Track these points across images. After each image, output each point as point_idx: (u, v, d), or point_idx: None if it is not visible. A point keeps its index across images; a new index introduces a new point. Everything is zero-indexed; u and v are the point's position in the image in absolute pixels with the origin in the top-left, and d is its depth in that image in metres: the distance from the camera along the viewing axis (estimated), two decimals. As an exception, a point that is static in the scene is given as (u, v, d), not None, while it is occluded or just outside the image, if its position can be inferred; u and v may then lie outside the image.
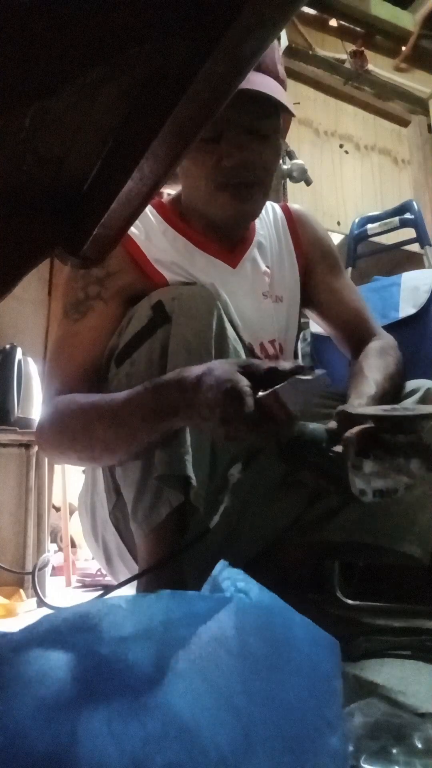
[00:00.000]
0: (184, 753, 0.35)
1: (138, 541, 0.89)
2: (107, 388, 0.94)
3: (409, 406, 0.95)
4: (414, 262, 2.33)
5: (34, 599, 1.68)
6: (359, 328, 1.16)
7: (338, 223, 3.35)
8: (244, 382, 0.71)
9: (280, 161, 2.28)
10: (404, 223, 2.11)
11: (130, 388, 0.87)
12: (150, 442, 0.84)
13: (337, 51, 3.64)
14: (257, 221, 1.12)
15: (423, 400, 1.01)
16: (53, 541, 2.62)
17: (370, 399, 0.90)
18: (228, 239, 1.08)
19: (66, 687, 0.38)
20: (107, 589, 0.86)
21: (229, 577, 0.46)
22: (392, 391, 0.98)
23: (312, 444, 0.78)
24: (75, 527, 2.30)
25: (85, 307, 0.98)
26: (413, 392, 1.02)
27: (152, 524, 0.85)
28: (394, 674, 0.77)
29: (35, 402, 2.03)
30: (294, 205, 1.24)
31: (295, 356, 1.22)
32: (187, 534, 0.84)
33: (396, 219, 2.12)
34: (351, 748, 0.47)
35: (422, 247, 2.09)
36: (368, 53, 3.70)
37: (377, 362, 1.04)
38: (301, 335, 1.54)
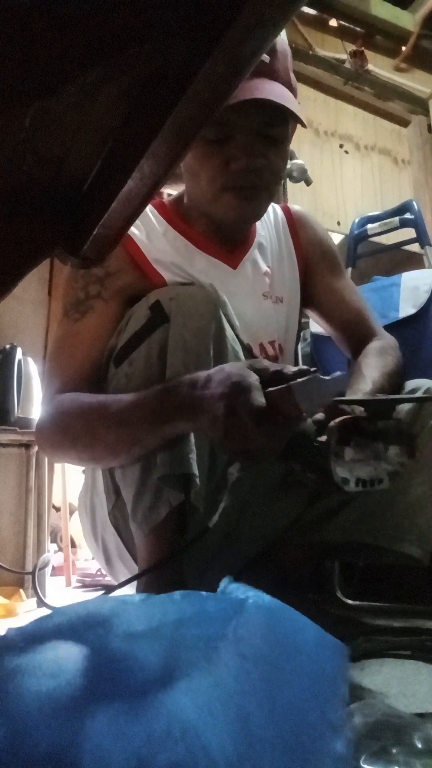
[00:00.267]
0: (188, 753, 0.35)
1: (138, 541, 0.89)
2: (107, 388, 0.94)
3: (395, 395, 0.95)
4: (414, 262, 2.33)
5: (34, 599, 1.68)
6: (360, 328, 1.16)
7: (338, 223, 3.35)
8: (253, 377, 0.71)
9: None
10: (404, 223, 2.11)
11: (129, 389, 0.87)
12: (153, 446, 0.83)
13: (337, 51, 3.64)
14: (258, 222, 1.12)
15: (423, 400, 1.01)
16: (53, 541, 2.62)
17: (364, 395, 0.90)
18: (229, 240, 1.08)
19: (74, 682, 0.38)
20: (107, 589, 0.86)
21: (237, 588, 0.47)
22: (390, 389, 0.98)
23: (299, 435, 0.77)
24: (75, 527, 2.30)
25: (86, 307, 0.98)
26: (413, 392, 1.02)
27: (152, 524, 0.85)
28: (394, 674, 0.77)
29: (35, 402, 2.03)
30: (294, 206, 1.24)
31: (295, 356, 1.22)
32: (187, 534, 0.84)
33: (396, 219, 2.12)
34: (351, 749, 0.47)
35: (422, 247, 2.08)
36: (368, 53, 3.69)
37: (375, 361, 1.04)
38: (301, 335, 1.54)
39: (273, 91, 0.91)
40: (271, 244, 1.15)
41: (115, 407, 0.85)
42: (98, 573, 2.11)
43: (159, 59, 0.41)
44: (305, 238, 1.18)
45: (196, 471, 0.82)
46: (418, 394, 1.00)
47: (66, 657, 0.40)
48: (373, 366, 1.01)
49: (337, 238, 2.83)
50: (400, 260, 2.67)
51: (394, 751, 0.47)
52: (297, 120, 0.95)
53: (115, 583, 0.96)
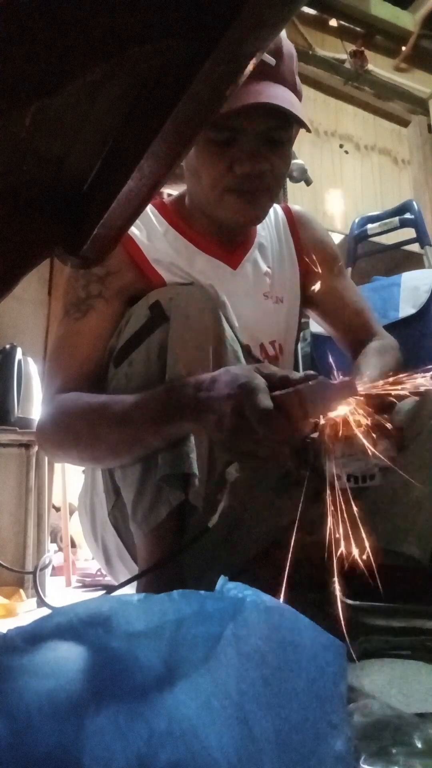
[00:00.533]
0: (188, 752, 0.35)
1: (137, 541, 0.89)
2: (107, 387, 0.94)
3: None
4: (414, 262, 2.33)
5: (34, 599, 1.68)
6: (360, 328, 1.16)
7: (338, 224, 3.35)
8: (261, 380, 0.70)
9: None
10: (404, 223, 2.11)
11: (128, 389, 0.87)
12: (155, 446, 0.83)
13: (337, 51, 3.64)
14: (258, 222, 1.12)
15: (423, 400, 1.01)
16: (53, 541, 2.62)
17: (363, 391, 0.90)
18: (229, 240, 1.08)
19: (74, 681, 0.38)
20: (107, 589, 0.86)
21: (234, 587, 0.46)
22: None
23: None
24: (75, 527, 2.30)
25: (86, 306, 0.98)
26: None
27: (152, 524, 0.85)
28: (394, 674, 0.77)
29: (35, 402, 2.03)
30: (295, 207, 1.24)
31: (295, 356, 1.22)
32: (187, 534, 0.84)
33: (396, 219, 2.12)
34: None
35: (422, 247, 2.09)
36: (368, 53, 3.70)
37: (374, 360, 1.04)
38: (301, 335, 1.54)
39: (279, 95, 0.91)
40: (271, 244, 1.15)
41: (118, 407, 0.85)
42: (98, 573, 2.11)
43: (159, 59, 0.41)
44: (306, 238, 1.18)
45: (196, 471, 0.82)
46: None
47: (66, 657, 0.40)
48: (372, 365, 1.02)
49: (337, 238, 2.83)
50: (400, 260, 2.68)
51: (394, 751, 0.47)
52: (302, 125, 0.96)
53: (115, 584, 0.96)
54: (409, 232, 2.14)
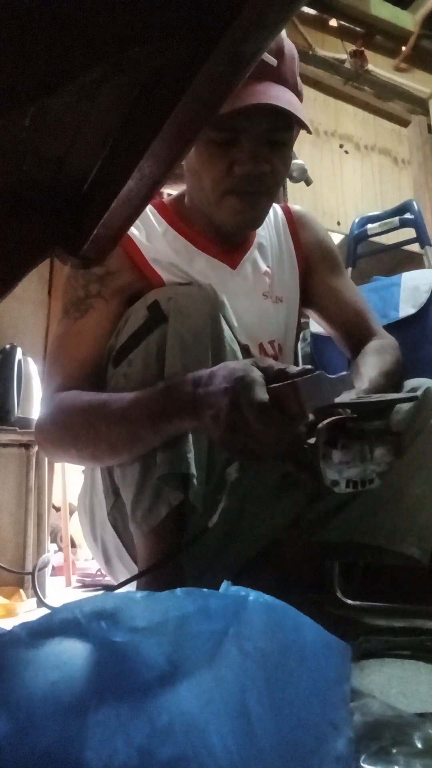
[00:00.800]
0: (190, 748, 0.35)
1: (137, 541, 0.89)
2: (106, 388, 0.94)
3: (380, 394, 0.94)
4: (414, 262, 2.33)
5: (34, 599, 1.68)
6: (359, 328, 1.16)
7: (338, 223, 3.35)
8: (257, 373, 0.70)
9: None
10: (404, 223, 2.11)
11: (127, 389, 0.87)
12: (153, 444, 0.83)
13: (337, 51, 3.64)
14: (258, 222, 1.12)
15: (422, 400, 1.01)
16: (53, 541, 2.62)
17: (361, 393, 0.90)
18: (229, 240, 1.08)
19: (78, 677, 0.39)
20: (107, 589, 0.86)
21: (237, 590, 0.47)
22: (388, 388, 0.98)
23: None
24: (75, 527, 2.30)
25: (86, 306, 0.98)
26: (413, 391, 1.02)
27: (151, 524, 0.85)
28: (394, 674, 0.77)
29: (35, 402, 2.03)
30: (295, 206, 1.24)
31: (295, 356, 1.22)
32: (186, 534, 0.84)
33: (396, 219, 2.12)
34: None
35: (422, 247, 2.08)
36: (368, 53, 3.70)
37: (373, 360, 1.04)
38: (301, 335, 1.54)
39: (280, 96, 0.91)
40: (271, 244, 1.15)
41: (117, 405, 0.85)
42: (98, 573, 2.11)
43: (159, 59, 0.41)
44: (305, 238, 1.18)
45: (194, 471, 0.82)
46: (417, 393, 1.00)
47: (70, 652, 0.40)
48: (371, 365, 1.02)
49: (337, 238, 2.83)
50: (400, 260, 2.67)
51: (394, 750, 0.47)
52: (303, 126, 0.96)
53: (115, 584, 0.96)
54: (409, 232, 2.14)
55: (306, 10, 3.39)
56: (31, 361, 2.10)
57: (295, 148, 1.08)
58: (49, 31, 0.35)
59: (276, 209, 1.20)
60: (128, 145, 0.48)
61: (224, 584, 0.48)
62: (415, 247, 2.19)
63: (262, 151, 0.94)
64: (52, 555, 2.09)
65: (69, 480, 2.36)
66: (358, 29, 3.70)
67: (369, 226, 2.17)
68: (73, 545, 2.52)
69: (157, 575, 0.82)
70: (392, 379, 1.02)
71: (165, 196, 1.20)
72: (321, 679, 0.43)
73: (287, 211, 1.20)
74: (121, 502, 0.93)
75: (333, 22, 3.63)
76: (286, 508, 1.05)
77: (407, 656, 0.84)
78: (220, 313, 0.91)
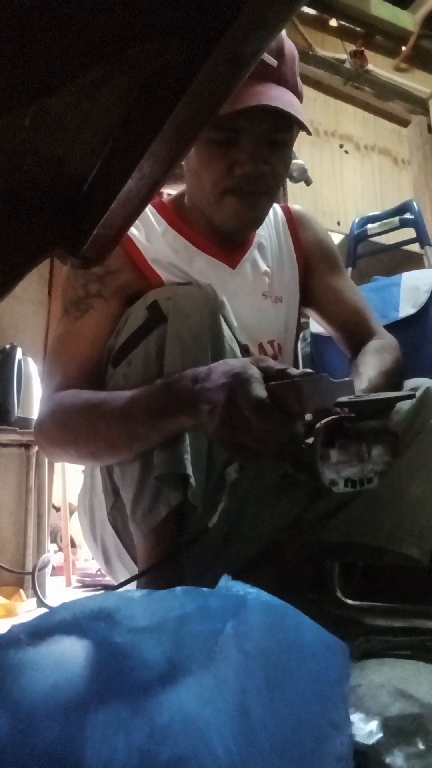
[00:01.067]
0: (190, 747, 0.35)
1: (137, 541, 0.89)
2: (105, 388, 0.94)
3: (378, 393, 0.94)
4: (414, 262, 2.33)
5: (34, 599, 1.68)
6: (359, 327, 1.16)
7: (338, 223, 3.35)
8: (255, 370, 0.70)
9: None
10: (404, 223, 2.11)
11: (127, 389, 0.87)
12: (152, 442, 0.83)
13: (337, 51, 3.64)
14: (257, 222, 1.12)
15: (422, 400, 1.01)
16: (53, 541, 2.62)
17: (359, 393, 0.90)
18: (228, 240, 1.08)
19: (78, 676, 0.39)
20: (107, 589, 0.86)
21: (236, 585, 0.47)
22: (388, 388, 0.98)
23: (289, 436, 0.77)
24: (75, 527, 2.30)
25: (86, 305, 0.98)
26: (413, 391, 1.02)
27: (151, 524, 0.85)
28: (394, 674, 0.77)
29: (35, 402, 2.03)
30: (294, 206, 1.24)
31: (295, 356, 1.22)
32: (186, 534, 0.84)
33: (396, 219, 2.12)
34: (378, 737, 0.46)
35: (422, 247, 2.09)
36: (368, 53, 3.70)
37: (372, 359, 1.04)
38: (301, 335, 1.54)
39: (281, 97, 0.91)
40: (270, 244, 1.15)
41: (116, 403, 0.85)
42: (98, 573, 2.11)
43: (159, 59, 0.41)
44: (305, 238, 1.18)
45: (190, 471, 0.82)
46: (417, 393, 1.00)
47: (69, 652, 0.40)
48: (371, 364, 1.01)
49: (337, 238, 2.83)
50: (400, 260, 2.67)
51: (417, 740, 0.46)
52: (303, 127, 0.96)
53: (115, 584, 0.96)
54: (409, 232, 2.14)
55: (306, 10, 3.39)
56: (31, 361, 2.10)
57: (295, 148, 1.08)
58: (49, 31, 0.35)
59: (276, 209, 1.20)
60: (128, 145, 0.48)
61: (224, 578, 0.48)
62: (415, 247, 2.19)
63: (262, 151, 0.95)
64: (52, 555, 2.09)
65: (69, 480, 2.37)
66: (358, 29, 3.70)
67: (369, 226, 2.17)
68: (73, 545, 2.53)
69: (157, 575, 0.82)
70: (392, 379, 1.02)
71: (165, 196, 1.20)
72: (321, 679, 0.43)
73: (287, 211, 1.20)
74: (120, 502, 0.93)
75: (333, 22, 3.63)
76: (286, 508, 1.05)
77: (407, 656, 0.84)
78: (220, 313, 0.91)
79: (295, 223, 1.19)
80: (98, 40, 0.37)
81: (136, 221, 0.94)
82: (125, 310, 0.97)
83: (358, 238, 2.20)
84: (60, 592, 2.02)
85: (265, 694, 0.39)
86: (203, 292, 0.92)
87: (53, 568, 2.06)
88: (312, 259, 1.18)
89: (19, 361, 2.03)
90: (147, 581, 0.83)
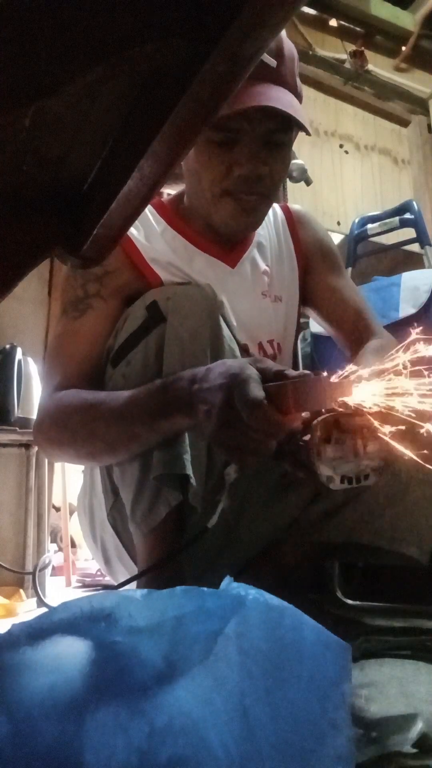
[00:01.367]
0: (189, 747, 0.35)
1: (137, 541, 0.89)
2: (104, 388, 0.94)
3: None
4: (414, 262, 2.33)
5: (34, 599, 1.68)
6: (359, 327, 1.16)
7: (338, 223, 3.35)
8: (253, 371, 0.70)
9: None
10: (404, 223, 2.11)
11: (126, 389, 0.87)
12: (151, 442, 0.83)
13: (337, 51, 3.64)
14: (257, 221, 1.12)
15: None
16: (53, 541, 2.62)
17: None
18: (228, 240, 1.08)
19: (77, 676, 0.39)
20: (107, 589, 0.86)
21: (238, 587, 0.47)
22: None
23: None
24: (75, 527, 2.30)
25: (84, 305, 0.98)
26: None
27: (151, 524, 0.85)
28: (394, 674, 0.77)
29: (35, 402, 2.03)
30: (294, 206, 1.24)
31: (295, 356, 1.22)
32: (186, 534, 0.84)
33: (396, 219, 2.12)
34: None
35: (422, 247, 2.09)
36: (368, 53, 3.70)
37: (372, 359, 1.04)
38: (301, 335, 1.54)
39: (280, 98, 0.91)
40: (270, 243, 1.14)
41: (115, 402, 0.85)
42: (98, 573, 2.11)
43: (159, 59, 0.41)
44: (305, 237, 1.18)
45: (190, 472, 0.82)
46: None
47: (68, 652, 0.40)
48: (370, 364, 1.01)
49: (337, 238, 2.83)
50: (400, 260, 2.67)
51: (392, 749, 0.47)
52: (303, 129, 0.96)
53: (115, 584, 0.96)
54: (409, 232, 2.14)
55: (306, 10, 3.39)
56: (31, 361, 2.10)
57: (295, 148, 1.08)
58: (49, 31, 0.35)
59: (275, 209, 1.20)
60: (128, 145, 0.48)
61: (226, 580, 0.48)
62: (415, 247, 2.19)
63: (261, 152, 0.94)
64: (52, 555, 2.09)
65: (69, 480, 2.36)
66: (358, 29, 3.71)
67: (369, 226, 2.17)
68: (73, 545, 2.52)
69: (156, 575, 0.82)
70: None
71: (165, 196, 1.20)
72: (321, 679, 0.43)
73: (287, 211, 1.20)
74: (120, 502, 0.93)
75: (333, 22, 3.63)
76: (286, 508, 1.05)
77: (407, 656, 0.84)
78: (219, 313, 0.91)
79: (294, 222, 1.19)
80: (98, 40, 0.37)
81: (136, 221, 0.94)
82: (124, 310, 0.97)
83: (358, 238, 2.20)
84: (60, 592, 2.02)
85: (264, 694, 0.39)
86: (202, 292, 0.92)
87: (53, 568, 2.06)
88: (311, 259, 1.18)
89: (19, 361, 2.03)
90: (147, 581, 0.83)
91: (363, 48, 3.67)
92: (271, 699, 0.40)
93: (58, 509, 2.61)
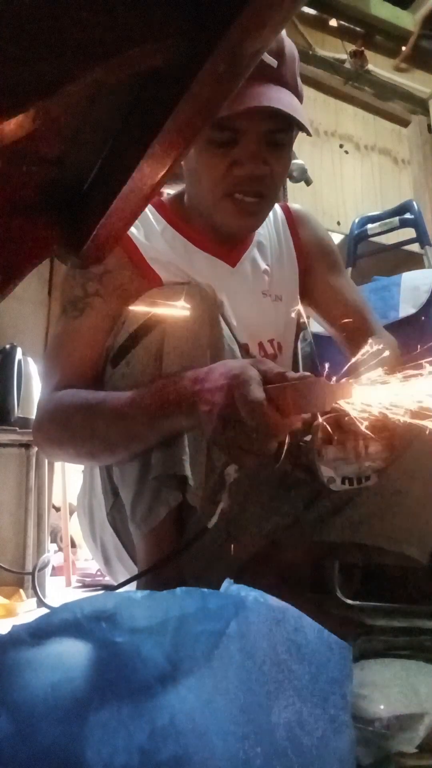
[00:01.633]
0: (190, 747, 0.35)
1: (137, 541, 0.89)
2: (104, 388, 0.94)
3: None
4: (414, 262, 2.33)
5: (34, 599, 1.68)
6: (359, 327, 1.16)
7: (338, 223, 3.35)
8: (254, 371, 0.70)
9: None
10: (404, 223, 2.11)
11: (126, 389, 0.87)
12: (151, 442, 0.83)
13: (337, 51, 3.64)
14: (257, 221, 1.12)
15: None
16: (53, 541, 2.62)
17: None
18: (228, 239, 1.08)
19: (79, 676, 0.39)
20: (107, 589, 0.86)
21: (238, 589, 0.47)
22: None
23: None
24: (75, 527, 2.30)
25: (84, 304, 0.98)
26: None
27: (151, 524, 0.84)
28: (395, 674, 0.77)
29: (35, 402, 2.03)
30: (294, 205, 1.24)
31: (295, 356, 1.22)
32: (186, 534, 0.84)
33: (396, 219, 2.12)
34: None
35: (422, 247, 2.09)
36: (368, 53, 3.70)
37: (372, 360, 1.04)
38: (301, 335, 1.54)
39: (281, 98, 0.91)
40: (270, 243, 1.14)
41: (114, 402, 0.85)
42: (98, 573, 2.11)
43: (159, 59, 0.41)
44: (305, 237, 1.18)
45: (188, 472, 0.82)
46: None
47: (70, 652, 0.40)
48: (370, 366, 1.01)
49: (337, 238, 2.83)
50: (400, 260, 2.67)
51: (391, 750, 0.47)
52: (303, 129, 0.96)
53: (115, 584, 0.96)
54: (409, 232, 2.14)
55: (306, 10, 3.39)
56: (31, 361, 2.10)
57: (295, 147, 1.08)
58: (49, 31, 0.35)
59: (275, 208, 1.20)
60: (128, 145, 0.48)
61: (226, 582, 0.48)
62: (415, 247, 2.19)
63: (262, 152, 0.94)
64: (52, 555, 2.09)
65: (69, 480, 2.37)
66: (358, 29, 3.71)
67: (369, 226, 2.17)
68: (73, 545, 2.53)
69: (156, 576, 0.82)
70: None
71: (165, 195, 1.20)
72: (321, 679, 0.43)
73: (287, 210, 1.20)
74: (120, 502, 0.93)
75: (333, 22, 3.63)
76: (286, 508, 1.05)
77: (407, 656, 0.84)
78: (219, 313, 0.91)
79: (294, 222, 1.19)
80: (98, 40, 0.37)
81: (136, 220, 0.94)
82: (124, 309, 0.97)
83: (358, 238, 2.20)
84: (60, 592, 2.02)
85: (265, 694, 0.39)
86: (202, 292, 0.92)
87: (53, 568, 2.06)
88: (311, 258, 1.18)
89: (19, 361, 2.03)
90: (147, 581, 0.83)
91: (363, 48, 3.67)
92: (272, 699, 0.40)
93: (58, 509, 2.61)
